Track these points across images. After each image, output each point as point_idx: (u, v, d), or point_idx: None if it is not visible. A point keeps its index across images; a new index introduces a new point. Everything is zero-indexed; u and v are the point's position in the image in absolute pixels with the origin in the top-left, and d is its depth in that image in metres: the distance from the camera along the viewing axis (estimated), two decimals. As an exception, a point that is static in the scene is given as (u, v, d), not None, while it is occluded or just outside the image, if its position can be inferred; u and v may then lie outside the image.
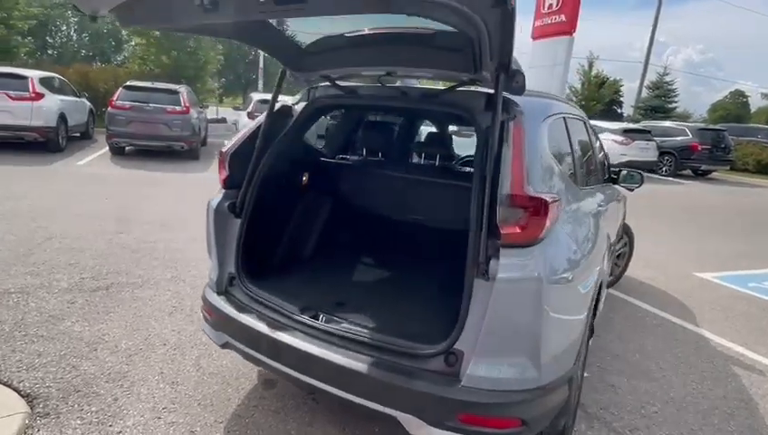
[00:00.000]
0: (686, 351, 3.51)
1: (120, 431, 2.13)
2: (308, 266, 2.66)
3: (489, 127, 1.74)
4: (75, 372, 2.53)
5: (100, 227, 5.14)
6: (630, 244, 4.75)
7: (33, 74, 9.39)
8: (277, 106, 2.34)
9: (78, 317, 3.13)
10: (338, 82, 2.25)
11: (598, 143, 3.47)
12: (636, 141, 14.54)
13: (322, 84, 2.33)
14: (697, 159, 15.73)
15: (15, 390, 2.33)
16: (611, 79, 28.08)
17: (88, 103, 12.12)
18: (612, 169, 4.03)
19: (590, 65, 26.58)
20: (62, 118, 9.80)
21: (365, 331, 1.88)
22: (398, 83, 2.26)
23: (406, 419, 1.66)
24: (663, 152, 15.61)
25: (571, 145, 2.35)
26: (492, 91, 1.87)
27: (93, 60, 37.25)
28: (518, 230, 1.57)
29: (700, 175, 16.93)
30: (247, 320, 2.02)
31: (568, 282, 1.71)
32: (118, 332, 3.00)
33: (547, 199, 1.58)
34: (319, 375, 1.82)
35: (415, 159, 3.20)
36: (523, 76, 1.78)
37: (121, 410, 2.27)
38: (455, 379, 1.63)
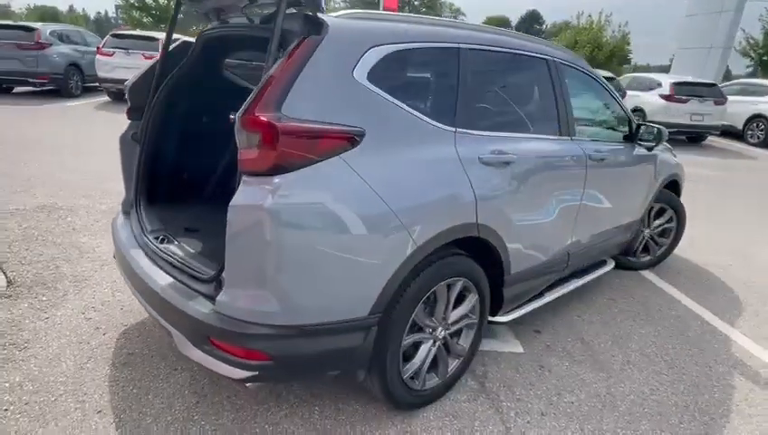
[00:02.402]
0: (683, 350, 2.85)
1: (48, 317, 2.60)
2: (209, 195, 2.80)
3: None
4: (54, 271, 3.11)
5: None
6: (679, 219, 3.91)
7: (162, 36, 11.05)
8: (177, 43, 2.46)
9: (90, 232, 3.78)
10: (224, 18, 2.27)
11: (576, 91, 2.82)
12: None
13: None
14: None
15: (5, 275, 2.98)
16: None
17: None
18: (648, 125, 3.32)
19: (781, 10, 20.94)
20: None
21: (182, 255, 1.96)
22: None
23: (177, 335, 1.74)
24: None
25: (459, 82, 2.01)
26: (311, 12, 1.73)
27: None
28: (250, 156, 1.47)
29: None
30: (118, 236, 2.26)
31: (334, 222, 1.55)
32: (110, 246, 3.55)
33: (277, 125, 1.43)
34: (137, 289, 1.98)
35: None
36: None
37: (62, 302, 2.75)
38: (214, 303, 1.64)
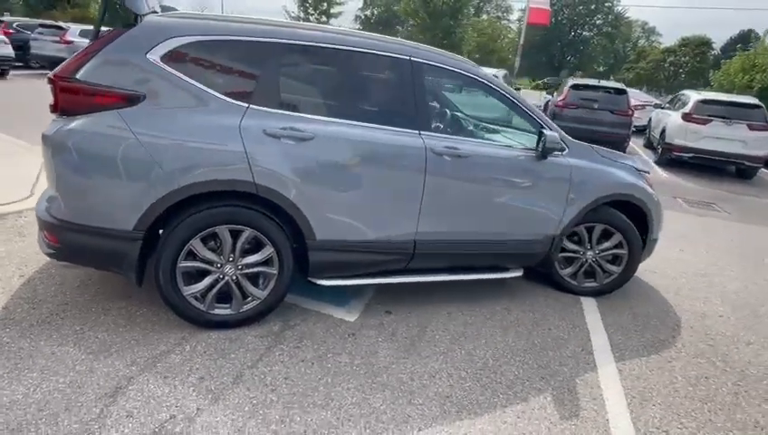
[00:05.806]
0: (522, 362, 2.73)
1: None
2: None
3: None
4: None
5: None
6: (630, 246, 3.52)
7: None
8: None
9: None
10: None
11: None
12: None
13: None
14: None
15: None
16: None
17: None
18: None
19: None
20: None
21: None
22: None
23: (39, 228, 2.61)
24: None
25: (264, 70, 2.48)
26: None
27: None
28: (52, 103, 2.24)
29: None
30: None
31: (99, 155, 2.22)
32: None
33: (59, 82, 2.16)
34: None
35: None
36: None
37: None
38: (50, 205, 2.46)
